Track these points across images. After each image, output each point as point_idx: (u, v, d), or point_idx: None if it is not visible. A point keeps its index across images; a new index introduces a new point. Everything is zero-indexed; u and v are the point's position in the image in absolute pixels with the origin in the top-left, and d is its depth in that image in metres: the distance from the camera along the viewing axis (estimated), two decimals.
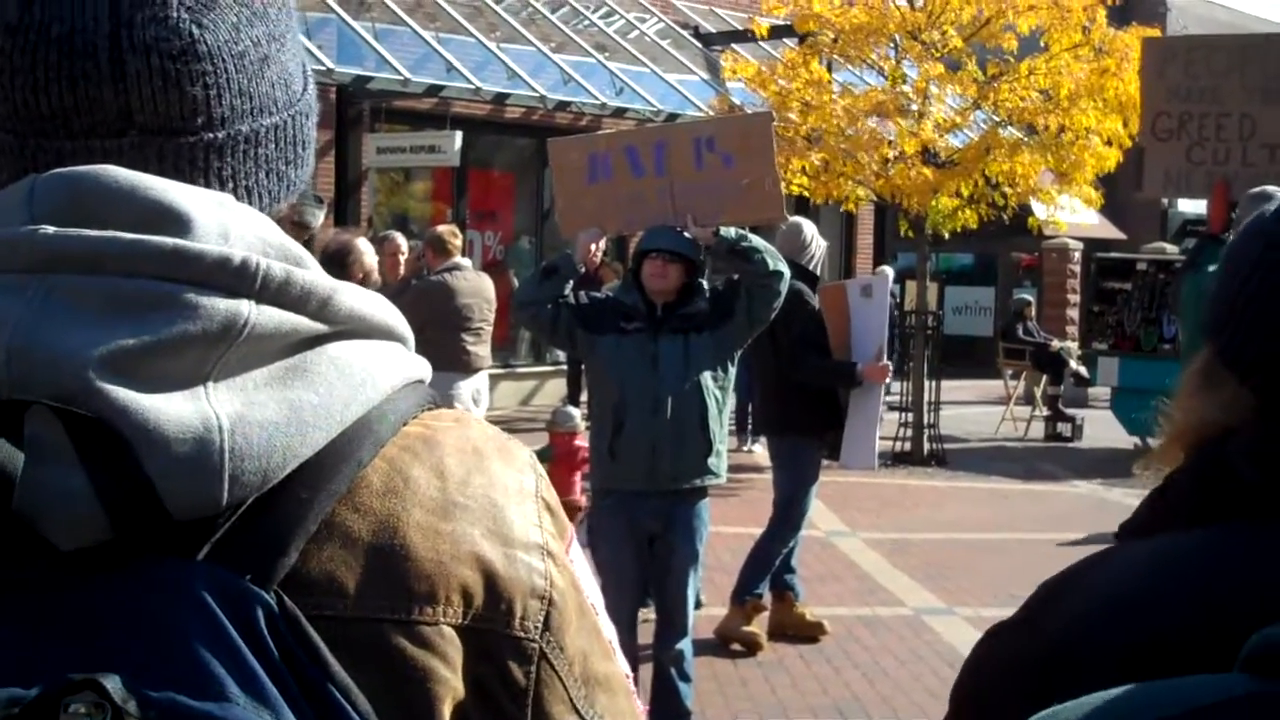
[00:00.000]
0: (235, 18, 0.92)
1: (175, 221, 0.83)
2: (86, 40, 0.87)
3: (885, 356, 6.92)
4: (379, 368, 0.89)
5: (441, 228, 9.37)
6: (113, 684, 0.72)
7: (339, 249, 6.65)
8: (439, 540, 0.88)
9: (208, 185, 0.92)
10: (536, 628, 0.92)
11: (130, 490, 0.77)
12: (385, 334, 0.93)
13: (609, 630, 1.03)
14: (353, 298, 0.89)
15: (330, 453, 0.85)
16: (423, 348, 0.98)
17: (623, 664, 1.03)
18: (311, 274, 0.86)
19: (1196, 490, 1.04)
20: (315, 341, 0.87)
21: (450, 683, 0.86)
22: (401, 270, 8.98)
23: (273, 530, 0.82)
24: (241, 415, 0.80)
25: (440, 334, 8.20)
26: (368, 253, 7.00)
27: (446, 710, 0.86)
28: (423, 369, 0.96)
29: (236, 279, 0.82)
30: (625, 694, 1.01)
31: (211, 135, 0.92)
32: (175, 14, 0.89)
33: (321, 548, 0.84)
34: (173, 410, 0.78)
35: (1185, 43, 6.72)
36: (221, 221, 0.85)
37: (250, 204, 0.95)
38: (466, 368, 8.55)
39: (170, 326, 0.79)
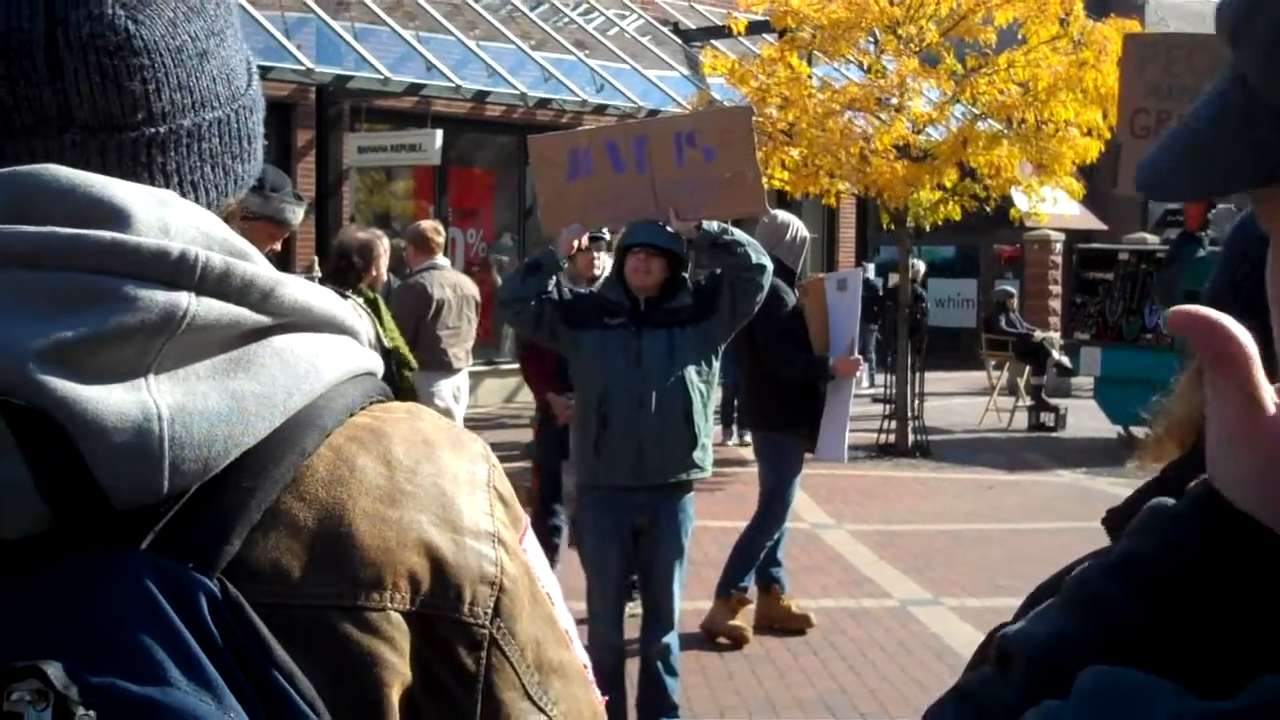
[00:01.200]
0: (172, 13, 0.92)
1: (115, 217, 0.83)
2: (22, 39, 0.87)
3: (856, 350, 6.94)
4: (324, 359, 0.90)
5: (425, 223, 9.30)
6: (54, 671, 0.73)
7: (363, 245, 6.66)
8: (385, 527, 0.88)
9: (151, 180, 0.92)
10: (486, 614, 0.92)
11: (70, 480, 0.77)
12: (333, 327, 0.93)
13: (565, 620, 1.03)
14: (298, 290, 0.89)
15: (274, 442, 0.85)
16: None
17: (580, 653, 1.03)
18: (254, 266, 0.87)
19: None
20: (259, 334, 0.87)
21: (398, 668, 0.86)
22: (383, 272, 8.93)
23: (215, 518, 0.82)
24: (182, 405, 0.81)
25: (419, 334, 8.19)
26: (385, 252, 7.01)
27: (395, 696, 0.86)
28: (372, 362, 0.96)
29: (175, 271, 0.82)
30: (581, 682, 1.01)
31: (152, 130, 0.92)
32: (110, 10, 0.89)
33: (266, 536, 0.85)
34: (112, 400, 0.79)
35: (1167, 40, 6.66)
36: (162, 217, 0.85)
37: (196, 199, 0.95)
38: (447, 367, 8.53)
39: (109, 319, 0.80)
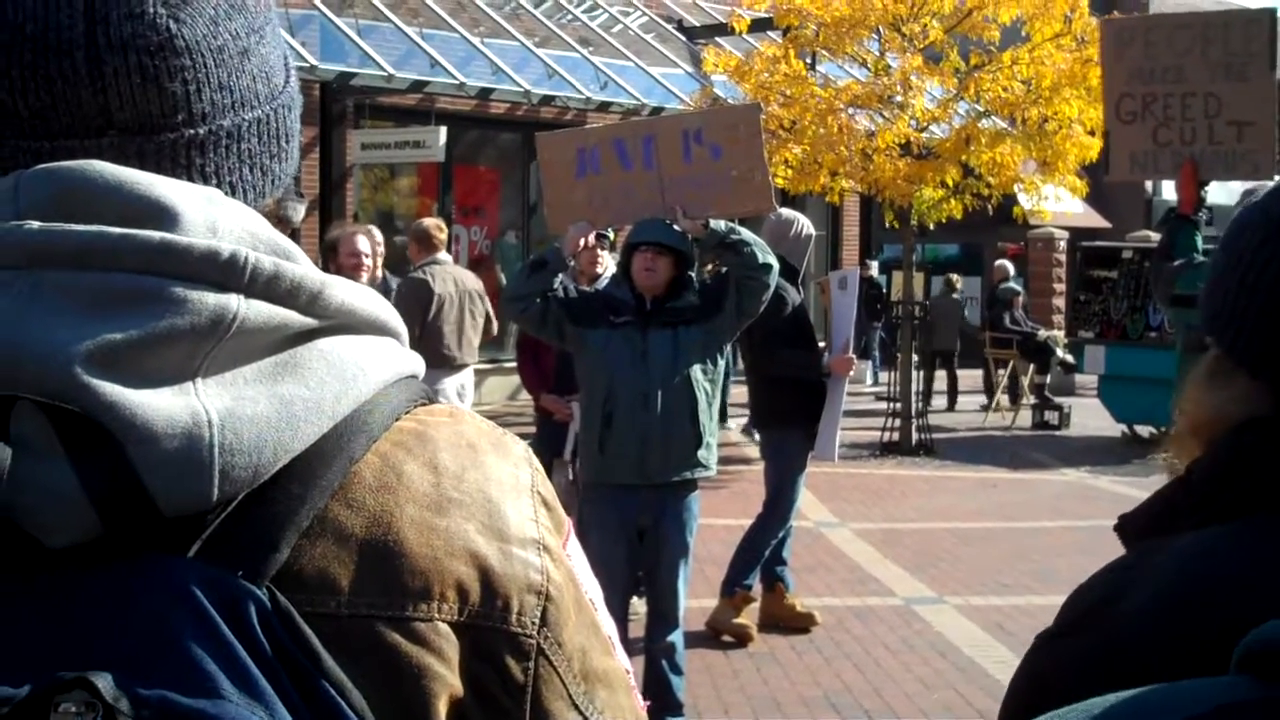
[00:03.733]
0: (213, 11, 0.90)
1: (163, 216, 0.82)
2: (62, 39, 0.86)
3: (851, 349, 6.93)
4: (370, 362, 0.88)
5: (428, 220, 9.29)
6: (104, 682, 0.71)
7: (329, 242, 6.66)
8: (433, 536, 0.86)
9: (190, 183, 0.90)
10: (534, 623, 0.90)
11: (118, 486, 0.76)
12: (377, 329, 0.91)
13: (609, 626, 1.01)
14: (344, 292, 0.88)
15: (322, 448, 0.83)
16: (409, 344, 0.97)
17: (623, 660, 1.02)
18: (301, 268, 0.85)
19: (1220, 484, 1.02)
20: (306, 336, 0.85)
21: (446, 680, 0.85)
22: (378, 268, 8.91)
23: (264, 526, 0.81)
24: (231, 410, 0.79)
25: (422, 331, 8.19)
26: (346, 250, 6.96)
27: (443, 708, 0.84)
28: (415, 364, 0.94)
29: (225, 273, 0.81)
30: (626, 690, 1.00)
31: (192, 131, 0.90)
32: (152, 9, 0.87)
33: (314, 544, 0.83)
34: (161, 405, 0.77)
35: (1145, 23, 6.57)
36: (210, 216, 0.84)
37: (234, 200, 0.93)
38: (450, 364, 8.52)
39: (158, 321, 0.78)
